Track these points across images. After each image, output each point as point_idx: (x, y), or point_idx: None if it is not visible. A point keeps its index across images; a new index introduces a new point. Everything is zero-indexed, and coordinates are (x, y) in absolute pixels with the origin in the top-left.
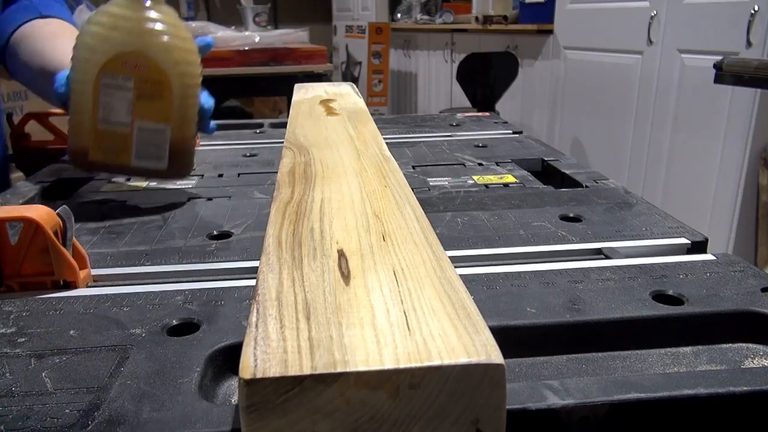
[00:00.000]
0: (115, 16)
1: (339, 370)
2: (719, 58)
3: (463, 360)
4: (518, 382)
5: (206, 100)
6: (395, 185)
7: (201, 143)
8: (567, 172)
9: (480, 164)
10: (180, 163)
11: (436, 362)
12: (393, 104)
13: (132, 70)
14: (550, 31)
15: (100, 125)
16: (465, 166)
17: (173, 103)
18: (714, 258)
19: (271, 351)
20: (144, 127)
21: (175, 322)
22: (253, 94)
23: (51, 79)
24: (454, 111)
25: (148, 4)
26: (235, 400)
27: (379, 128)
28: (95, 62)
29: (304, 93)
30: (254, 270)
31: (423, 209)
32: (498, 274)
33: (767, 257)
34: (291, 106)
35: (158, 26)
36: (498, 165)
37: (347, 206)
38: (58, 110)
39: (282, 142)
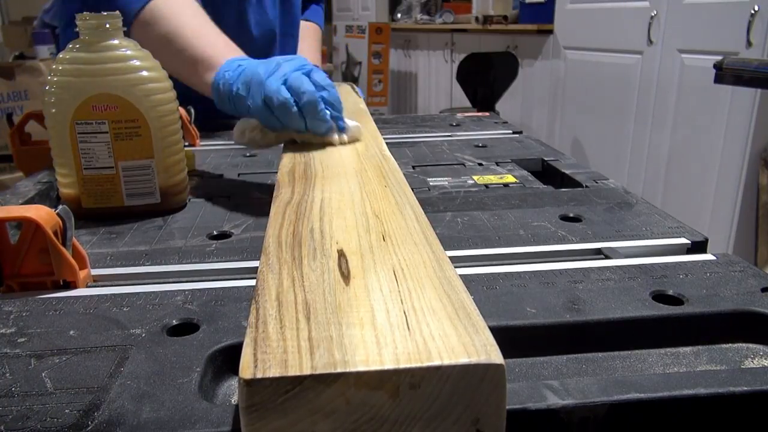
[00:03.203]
0: (75, 62)
1: (339, 370)
2: (719, 58)
3: (463, 360)
4: (518, 382)
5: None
6: (395, 185)
7: (201, 143)
8: (567, 172)
9: (480, 164)
10: (173, 193)
11: (436, 362)
12: (393, 104)
13: (103, 113)
14: (550, 31)
15: (86, 172)
16: (465, 166)
17: (153, 135)
18: (714, 258)
19: (271, 351)
20: (128, 165)
21: (175, 322)
22: None
23: (197, 70)
24: (454, 111)
25: (104, 42)
26: (235, 400)
27: (379, 128)
28: (65, 112)
29: None
30: (254, 270)
31: (423, 209)
32: (498, 274)
33: (767, 257)
34: None
35: (120, 64)
36: (498, 165)
37: (347, 206)
38: None
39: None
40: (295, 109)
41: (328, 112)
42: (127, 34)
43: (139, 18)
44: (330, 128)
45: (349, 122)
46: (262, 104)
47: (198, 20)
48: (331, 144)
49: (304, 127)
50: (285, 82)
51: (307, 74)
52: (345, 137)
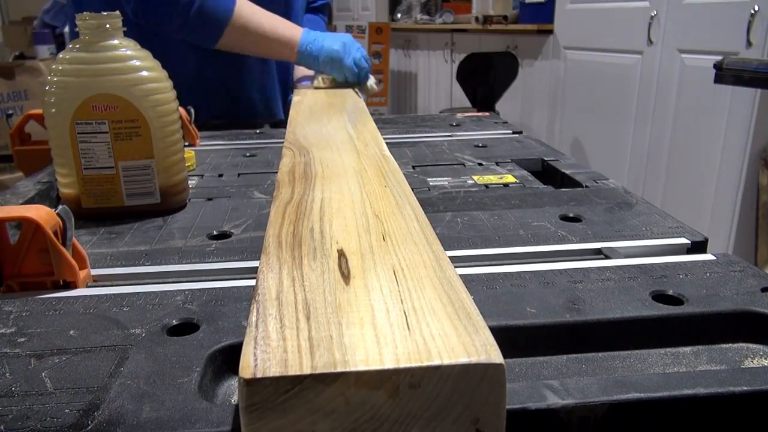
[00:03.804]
0: (75, 62)
1: (339, 369)
2: (719, 58)
3: (462, 360)
4: (518, 382)
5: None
6: (395, 185)
7: (201, 143)
8: (567, 172)
9: (480, 164)
10: (173, 193)
11: (436, 362)
12: (393, 104)
13: (103, 113)
14: (550, 31)
15: (86, 172)
16: (465, 166)
17: (153, 135)
18: (714, 258)
19: (271, 351)
20: (128, 165)
21: (174, 322)
22: None
23: (285, 49)
24: (454, 111)
25: (104, 42)
26: (235, 399)
27: (379, 128)
28: (65, 112)
29: (304, 93)
30: (254, 270)
31: (423, 209)
32: (498, 274)
33: (767, 257)
34: (291, 106)
35: (120, 64)
36: (498, 165)
37: (347, 206)
38: None
39: (282, 142)
40: (356, 73)
41: (368, 73)
42: (211, 42)
43: (231, 26)
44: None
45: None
46: (341, 72)
47: (266, 14)
48: (361, 87)
49: (358, 81)
50: (354, 62)
51: (362, 52)
52: (370, 84)
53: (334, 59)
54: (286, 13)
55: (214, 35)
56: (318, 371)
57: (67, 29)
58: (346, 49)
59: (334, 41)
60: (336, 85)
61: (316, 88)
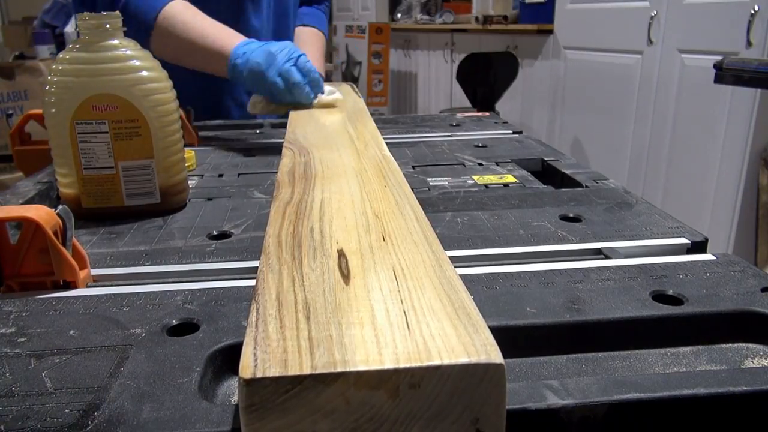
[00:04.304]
0: (75, 62)
1: (339, 369)
2: (719, 58)
3: (462, 360)
4: (518, 382)
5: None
6: (395, 185)
7: (201, 143)
8: (567, 172)
9: (480, 164)
10: (173, 193)
11: (436, 362)
12: (393, 104)
13: (103, 113)
14: (550, 31)
15: (86, 172)
16: (465, 166)
17: (153, 135)
18: (714, 258)
19: (271, 351)
20: (128, 165)
21: (174, 322)
22: None
23: (216, 62)
24: (454, 111)
25: (104, 42)
26: (234, 400)
27: (379, 128)
28: (65, 112)
29: None
30: (254, 270)
31: (423, 209)
32: (498, 274)
33: (767, 257)
34: None
35: (120, 64)
36: (498, 165)
37: (347, 206)
38: None
39: (282, 142)
40: (282, 89)
41: (308, 89)
42: (145, 45)
43: (155, 30)
44: (311, 101)
45: (327, 92)
46: (266, 90)
47: (201, 21)
48: (308, 107)
49: (292, 101)
50: (280, 75)
51: (296, 62)
52: (315, 101)
53: (256, 73)
54: (277, 6)
55: (142, 36)
56: (318, 371)
57: (68, 29)
58: (272, 59)
59: (260, 52)
60: (271, 108)
61: (251, 112)
